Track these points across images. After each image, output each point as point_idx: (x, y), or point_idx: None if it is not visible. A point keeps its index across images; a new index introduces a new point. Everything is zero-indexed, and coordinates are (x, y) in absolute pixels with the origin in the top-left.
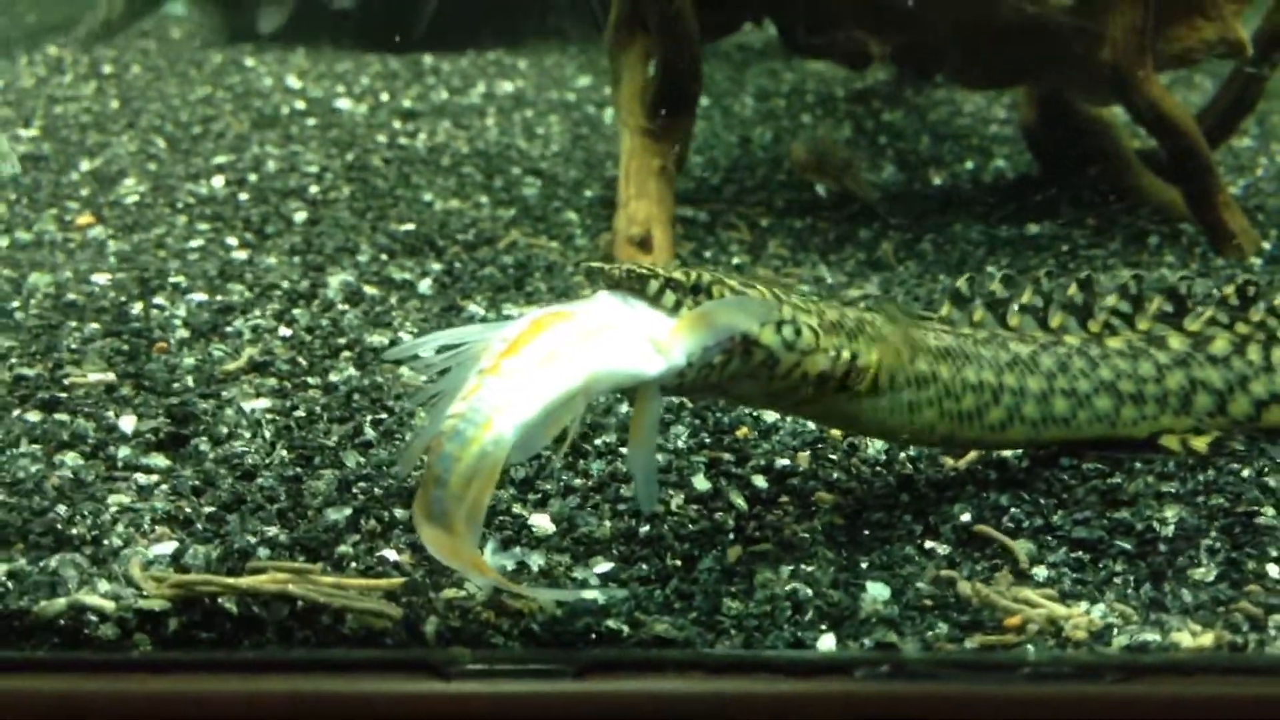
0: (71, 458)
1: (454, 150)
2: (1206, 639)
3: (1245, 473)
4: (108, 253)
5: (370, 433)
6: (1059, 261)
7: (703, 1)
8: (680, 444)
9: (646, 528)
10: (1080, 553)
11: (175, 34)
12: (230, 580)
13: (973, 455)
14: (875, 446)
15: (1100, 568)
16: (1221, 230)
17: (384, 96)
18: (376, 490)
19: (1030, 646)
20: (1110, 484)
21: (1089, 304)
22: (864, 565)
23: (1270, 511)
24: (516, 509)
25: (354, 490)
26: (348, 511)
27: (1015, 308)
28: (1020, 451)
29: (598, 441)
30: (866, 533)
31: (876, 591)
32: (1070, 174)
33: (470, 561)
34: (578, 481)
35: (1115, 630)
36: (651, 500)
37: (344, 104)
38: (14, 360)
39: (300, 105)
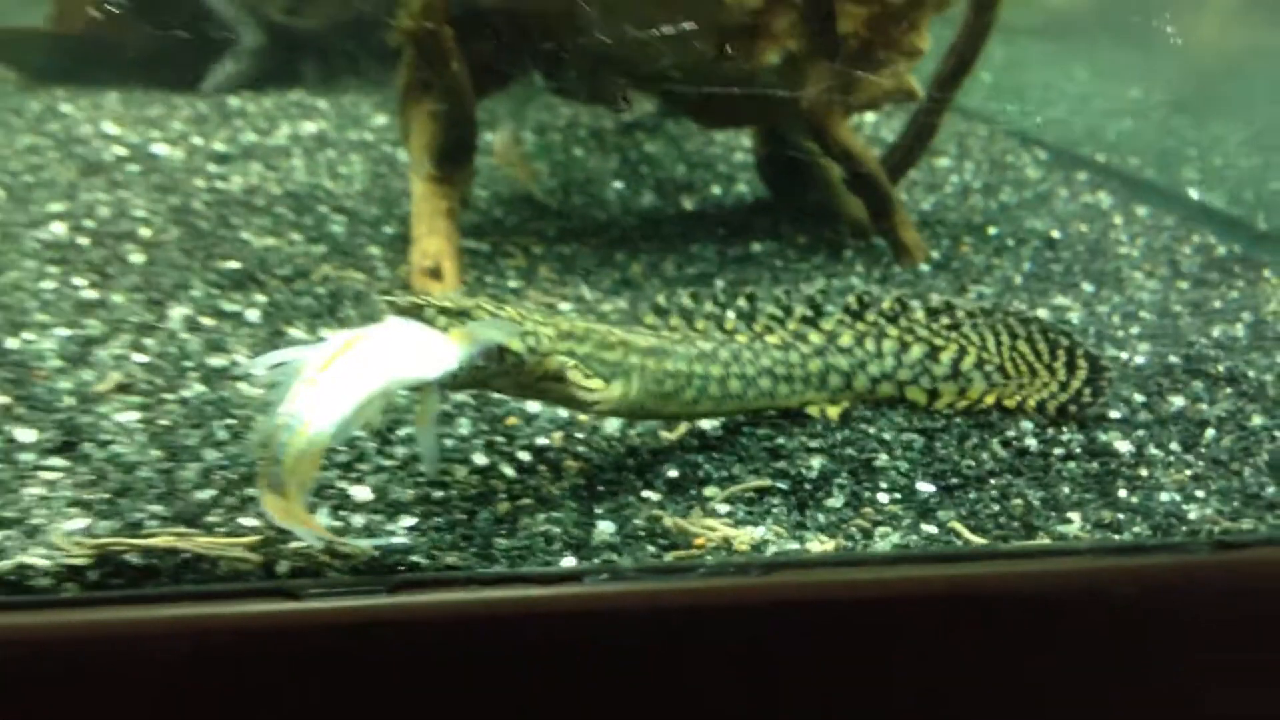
0: None
1: (266, 191)
2: (830, 545)
3: (870, 430)
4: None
5: (222, 434)
6: (772, 274)
7: (477, 64)
8: (464, 431)
9: (440, 493)
10: (751, 494)
11: None
12: (133, 540)
13: (682, 429)
14: (611, 425)
15: (764, 503)
16: (898, 244)
17: (197, 140)
18: (231, 476)
19: (708, 557)
20: (775, 444)
21: (753, 312)
22: (598, 510)
23: (884, 458)
24: (342, 484)
25: (214, 477)
26: (212, 492)
27: (701, 316)
28: (716, 423)
29: (400, 432)
30: (601, 488)
31: (605, 527)
32: (792, 198)
33: (302, 520)
34: (387, 463)
35: (769, 544)
36: (435, 468)
37: (160, 149)
38: None
39: (121, 151)
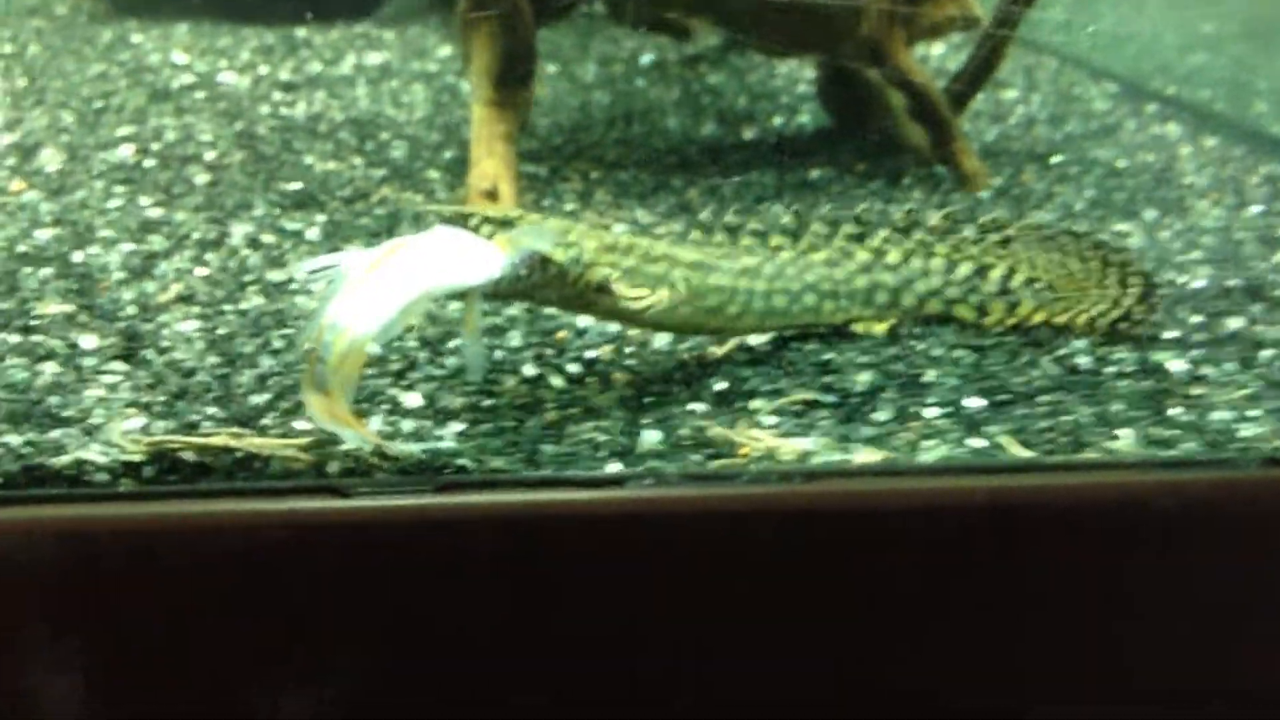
0: (50, 367)
1: (329, 118)
2: (876, 456)
3: (919, 347)
4: (43, 213)
5: (278, 343)
6: (830, 200)
7: None
8: (515, 344)
9: (489, 401)
10: (800, 406)
11: (60, 10)
12: (188, 439)
13: (731, 344)
14: (660, 340)
15: (810, 415)
16: (959, 171)
17: (263, 70)
18: (286, 382)
19: (752, 466)
20: (824, 359)
21: (799, 229)
22: (645, 421)
23: (932, 373)
24: (393, 392)
25: (269, 383)
26: (268, 396)
27: (746, 233)
28: (764, 339)
29: (451, 344)
30: (649, 400)
31: (651, 436)
32: (853, 126)
33: (345, 420)
34: (437, 372)
35: (814, 455)
36: (480, 376)
37: (228, 78)
38: None
39: (188, 80)
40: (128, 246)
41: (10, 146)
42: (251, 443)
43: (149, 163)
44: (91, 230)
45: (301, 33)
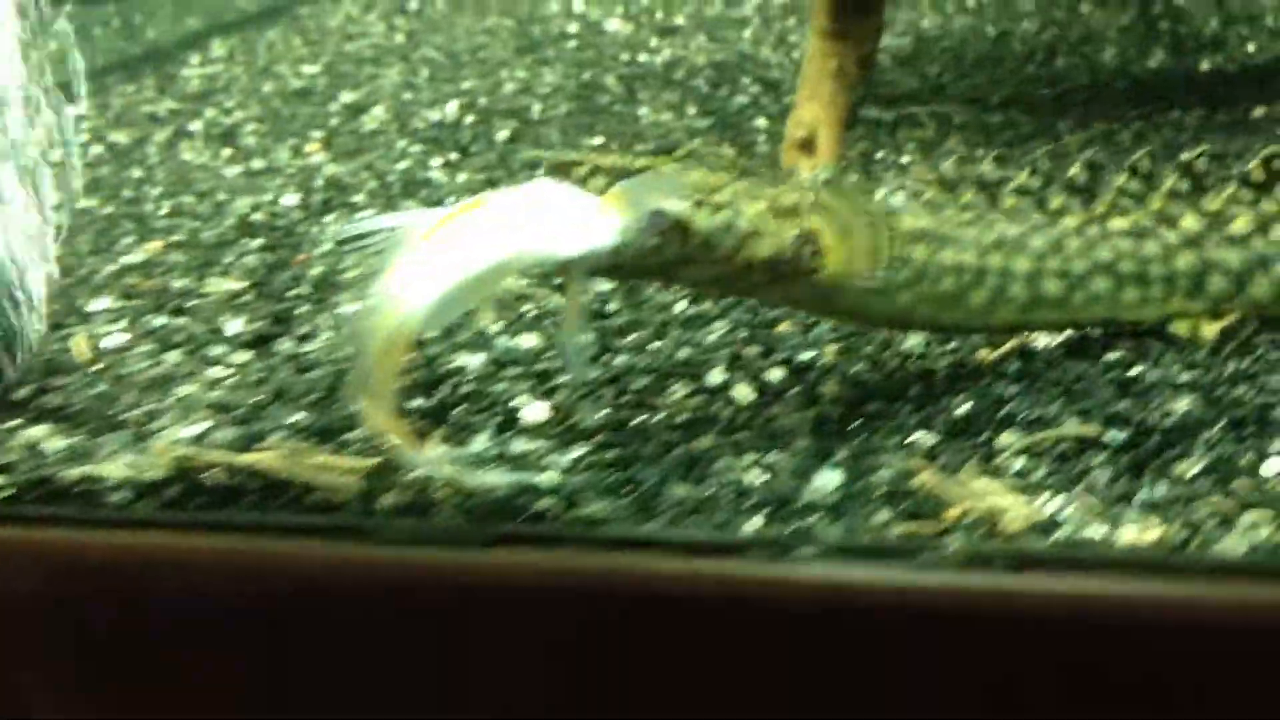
0: (174, 355)
1: (690, 64)
2: (1154, 535)
3: (1273, 358)
4: (316, 177)
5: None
6: (1266, 142)
7: None
8: (711, 339)
9: (640, 418)
10: (1067, 444)
11: None
12: (214, 455)
13: (1010, 345)
14: (914, 340)
15: (1082, 459)
16: None
17: (658, 15)
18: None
19: (953, 537)
20: (1129, 375)
21: (1094, 183)
22: (835, 454)
23: None
24: (520, 400)
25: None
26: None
27: (1009, 189)
28: (1055, 338)
29: (631, 337)
30: (858, 422)
31: (828, 479)
32: None
33: (392, 427)
34: (594, 374)
35: (1061, 524)
36: (581, 376)
37: (614, 25)
38: (176, 274)
39: (572, 29)
40: (370, 213)
41: (342, 106)
42: (300, 463)
43: (468, 119)
44: (344, 195)
45: None
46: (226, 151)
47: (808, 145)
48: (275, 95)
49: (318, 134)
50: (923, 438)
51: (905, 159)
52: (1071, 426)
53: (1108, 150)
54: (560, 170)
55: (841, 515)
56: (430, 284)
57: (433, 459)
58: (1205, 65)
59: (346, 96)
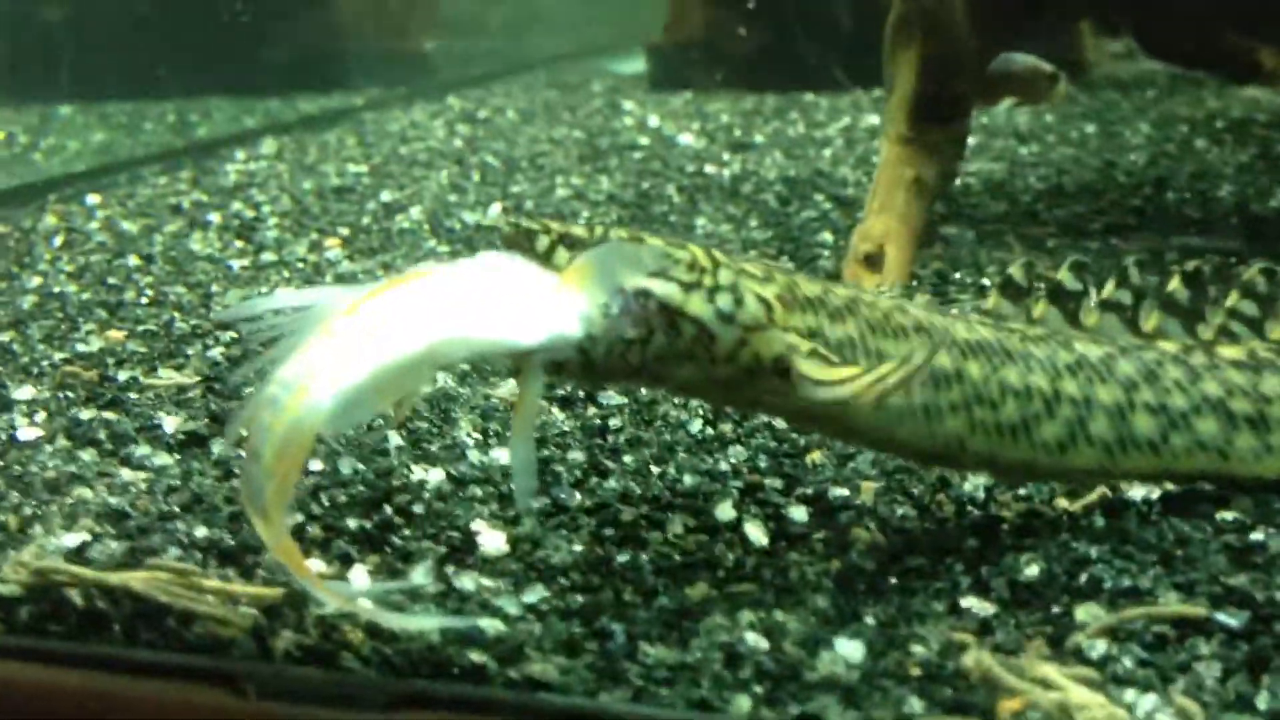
0: (87, 454)
1: (760, 179)
2: None
3: None
4: (325, 273)
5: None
6: None
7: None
8: (726, 465)
9: (625, 557)
10: (1164, 626)
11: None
12: (81, 571)
13: (1094, 495)
14: (973, 482)
15: (1184, 647)
16: None
17: (736, 132)
18: (342, 499)
19: None
20: (1248, 540)
21: (1199, 303)
22: (859, 618)
23: None
24: (480, 524)
25: (322, 497)
26: (299, 518)
27: (1092, 303)
28: (1151, 492)
29: (628, 458)
30: (894, 581)
31: (846, 651)
32: None
33: (285, 548)
34: (576, 499)
35: None
36: (527, 497)
37: (686, 139)
38: (127, 365)
39: (643, 140)
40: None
41: (380, 205)
42: (184, 588)
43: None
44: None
45: (810, 96)
46: (239, 244)
47: (874, 261)
48: (311, 192)
49: (343, 231)
50: (976, 605)
51: (985, 281)
52: (1170, 603)
53: (1217, 281)
54: (517, 241)
55: (858, 700)
56: (340, 371)
57: (349, 593)
58: None
59: (386, 196)
